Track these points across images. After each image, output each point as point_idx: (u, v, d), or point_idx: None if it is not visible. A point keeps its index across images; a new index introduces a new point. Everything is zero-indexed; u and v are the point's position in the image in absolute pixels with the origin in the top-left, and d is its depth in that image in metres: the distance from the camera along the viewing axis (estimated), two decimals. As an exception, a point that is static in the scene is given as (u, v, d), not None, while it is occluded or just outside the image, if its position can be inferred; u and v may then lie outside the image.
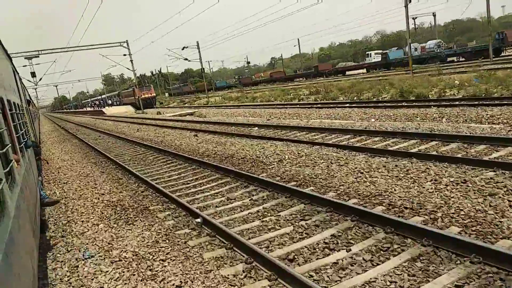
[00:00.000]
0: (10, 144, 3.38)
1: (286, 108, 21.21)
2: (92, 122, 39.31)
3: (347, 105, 17.94)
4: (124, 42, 38.54)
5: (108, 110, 56.07)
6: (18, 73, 11.00)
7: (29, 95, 25.87)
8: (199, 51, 40.98)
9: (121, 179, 9.59)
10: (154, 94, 55.85)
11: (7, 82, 5.16)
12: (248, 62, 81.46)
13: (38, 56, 34.30)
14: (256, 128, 15.07)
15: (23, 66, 34.47)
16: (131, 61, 39.16)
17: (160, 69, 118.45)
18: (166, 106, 53.64)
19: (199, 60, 41.28)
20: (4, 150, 3.04)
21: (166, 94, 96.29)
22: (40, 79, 36.33)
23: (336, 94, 24.03)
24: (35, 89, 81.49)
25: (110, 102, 74.79)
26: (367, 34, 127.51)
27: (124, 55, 38.86)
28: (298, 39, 67.39)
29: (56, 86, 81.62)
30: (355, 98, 21.80)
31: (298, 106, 21.60)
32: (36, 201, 5.25)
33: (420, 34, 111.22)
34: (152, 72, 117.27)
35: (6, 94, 4.28)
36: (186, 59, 42.10)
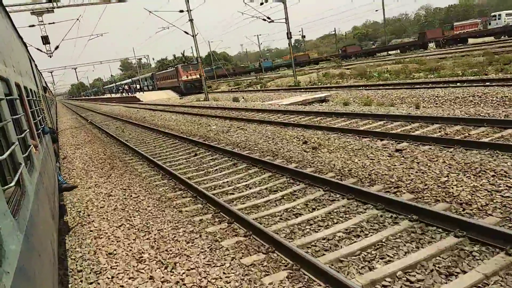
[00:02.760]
0: (28, 130, 3.44)
1: None
2: (133, 114, 26.64)
3: None
4: (180, -9, 25.39)
5: (144, 97, 43.41)
6: (33, 60, 10.18)
7: (45, 81, 23.67)
8: (285, 8, 27.52)
9: None
10: (204, 76, 42.73)
11: (23, 69, 5.06)
12: (304, 36, 67.45)
13: (53, 11, 21.51)
14: None
15: (30, 26, 21.69)
16: (191, 20, 25.94)
17: (184, 51, 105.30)
18: (219, 91, 40.58)
19: (285, 19, 27.82)
20: (23, 135, 3.09)
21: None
22: (57, 48, 23.61)
23: None
24: (51, 72, 70.04)
25: (138, 87, 61.98)
26: (402, 12, 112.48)
27: (181, 11, 25.66)
28: (382, 1, 52.36)
29: (75, 68, 69.60)
30: None
31: None
32: (55, 186, 5.27)
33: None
34: (174, 56, 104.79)
35: (22, 81, 4.35)
36: (268, 18, 28.61)
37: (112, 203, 6.63)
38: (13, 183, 1.99)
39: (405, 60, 26.66)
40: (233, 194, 6.19)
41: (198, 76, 41.66)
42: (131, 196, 6.92)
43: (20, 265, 1.58)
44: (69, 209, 6.78)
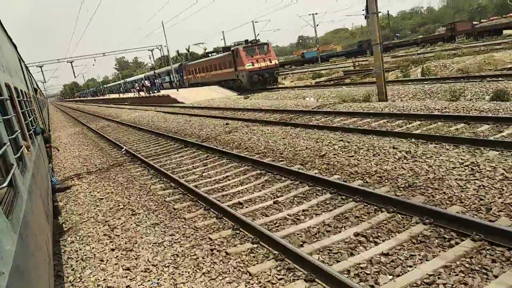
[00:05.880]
0: (19, 131, 3.41)
1: None
2: (220, 133, 12.04)
3: None
4: None
5: (182, 96, 28.55)
6: (24, 61, 10.28)
7: (36, 82, 23.91)
8: None
9: None
10: (277, 62, 28.05)
11: (13, 70, 5.10)
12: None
13: None
14: None
15: None
16: None
17: (189, 46, 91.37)
18: (289, 86, 25.77)
19: None
20: (14, 136, 3.05)
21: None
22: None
23: None
24: (41, 67, 54.98)
25: (147, 83, 46.55)
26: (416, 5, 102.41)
27: None
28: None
29: (71, 62, 54.43)
30: None
31: None
32: (48, 187, 5.27)
33: None
34: (177, 52, 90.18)
35: (13, 82, 4.34)
36: None
37: None
38: (5, 184, 1.98)
39: None
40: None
41: (269, 63, 27.04)
42: None
43: (15, 265, 1.55)
44: None
